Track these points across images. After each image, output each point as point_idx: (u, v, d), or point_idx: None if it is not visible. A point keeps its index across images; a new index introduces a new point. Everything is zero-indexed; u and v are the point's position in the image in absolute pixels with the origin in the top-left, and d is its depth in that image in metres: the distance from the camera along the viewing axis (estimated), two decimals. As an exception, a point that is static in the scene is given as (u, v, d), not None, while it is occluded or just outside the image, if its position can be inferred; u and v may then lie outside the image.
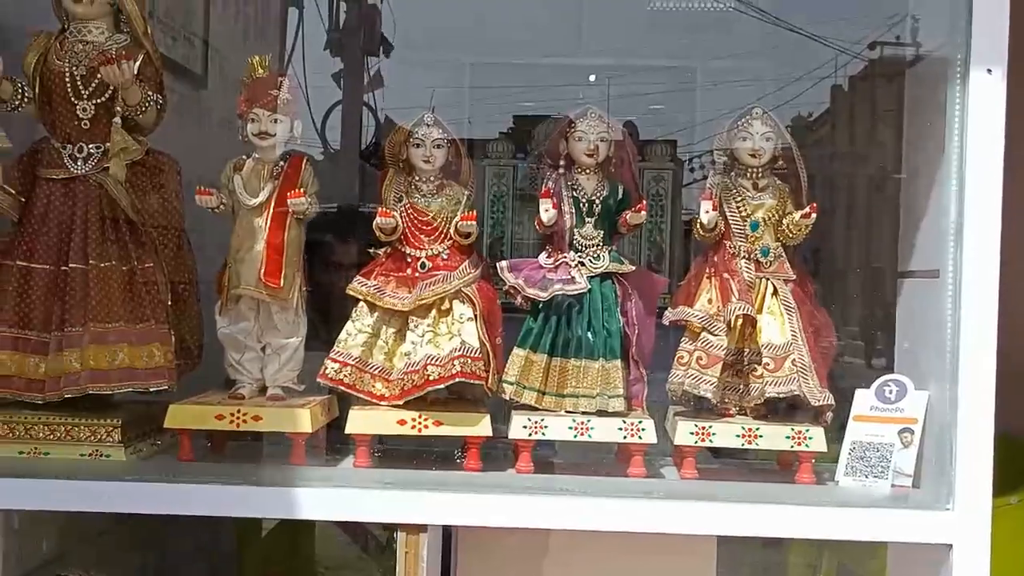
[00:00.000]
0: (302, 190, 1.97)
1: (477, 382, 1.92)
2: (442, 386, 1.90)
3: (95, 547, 2.32)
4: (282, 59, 3.21)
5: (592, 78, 3.30)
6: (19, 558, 2.07)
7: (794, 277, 2.02)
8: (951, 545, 1.80)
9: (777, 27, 3.06)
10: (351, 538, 2.83)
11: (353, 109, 3.24)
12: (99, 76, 1.95)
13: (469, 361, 1.91)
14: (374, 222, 1.99)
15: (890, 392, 1.98)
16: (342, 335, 2.00)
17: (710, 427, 1.93)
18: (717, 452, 2.08)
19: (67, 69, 1.97)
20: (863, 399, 1.99)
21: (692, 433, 1.93)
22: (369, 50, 3.29)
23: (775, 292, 2.00)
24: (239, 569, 2.73)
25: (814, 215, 1.94)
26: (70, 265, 1.95)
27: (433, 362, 1.91)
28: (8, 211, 1.98)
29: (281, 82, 1.99)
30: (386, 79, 3.26)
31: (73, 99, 1.97)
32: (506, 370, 1.98)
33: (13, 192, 1.98)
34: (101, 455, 1.91)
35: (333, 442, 2.07)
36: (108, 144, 1.96)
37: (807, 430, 1.92)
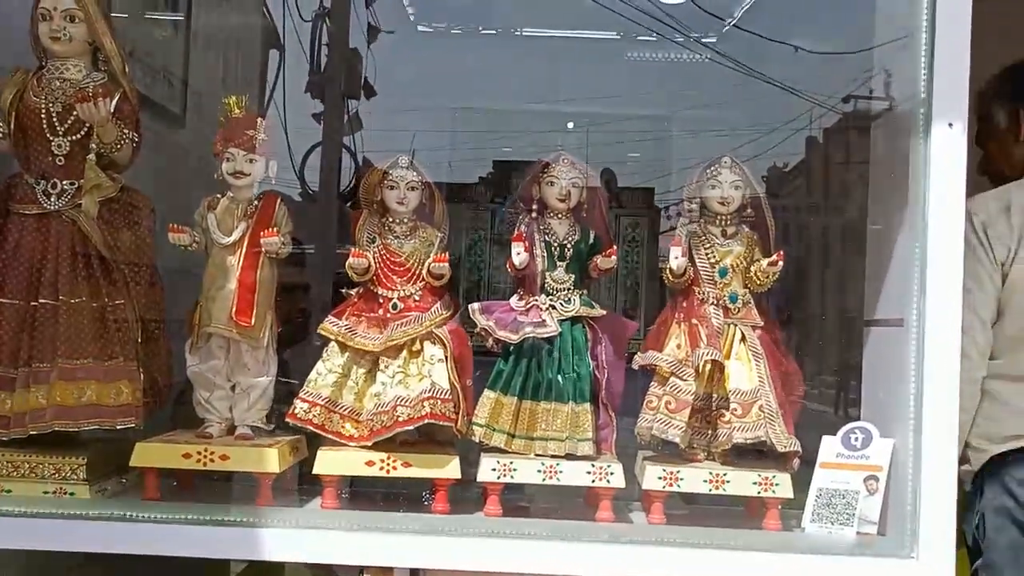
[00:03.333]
0: (275, 229, 1.98)
1: (447, 424, 1.92)
2: (411, 427, 1.90)
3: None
4: (262, 100, 3.24)
5: (570, 125, 3.35)
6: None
7: (762, 323, 2.04)
8: (915, 594, 1.81)
9: (752, 78, 3.13)
10: None
11: (332, 151, 3.26)
12: (75, 113, 1.96)
13: (439, 403, 1.91)
14: (347, 262, 2.00)
15: (856, 439, 1.99)
16: (312, 375, 2.00)
17: (678, 472, 1.94)
18: (688, 497, 2.08)
19: (43, 105, 1.98)
20: (829, 446, 2.01)
21: (660, 478, 1.94)
22: (350, 93, 3.33)
23: (743, 338, 2.02)
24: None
25: (781, 263, 1.97)
26: (40, 300, 1.94)
27: (403, 403, 1.92)
28: (-20, 246, 1.98)
29: (257, 122, 2.01)
30: (369, 122, 3.29)
31: (49, 135, 1.98)
32: (476, 412, 1.98)
33: (-15, 227, 1.98)
34: (65, 492, 1.89)
35: (303, 482, 2.07)
36: (81, 181, 1.97)
37: (774, 476, 1.93)
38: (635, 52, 3.33)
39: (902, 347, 1.92)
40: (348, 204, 3.22)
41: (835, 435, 2.01)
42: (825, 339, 2.85)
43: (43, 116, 1.97)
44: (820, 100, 3.19)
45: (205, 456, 1.90)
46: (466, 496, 2.01)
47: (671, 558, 1.81)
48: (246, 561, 2.65)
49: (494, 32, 3.44)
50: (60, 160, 1.98)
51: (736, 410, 1.97)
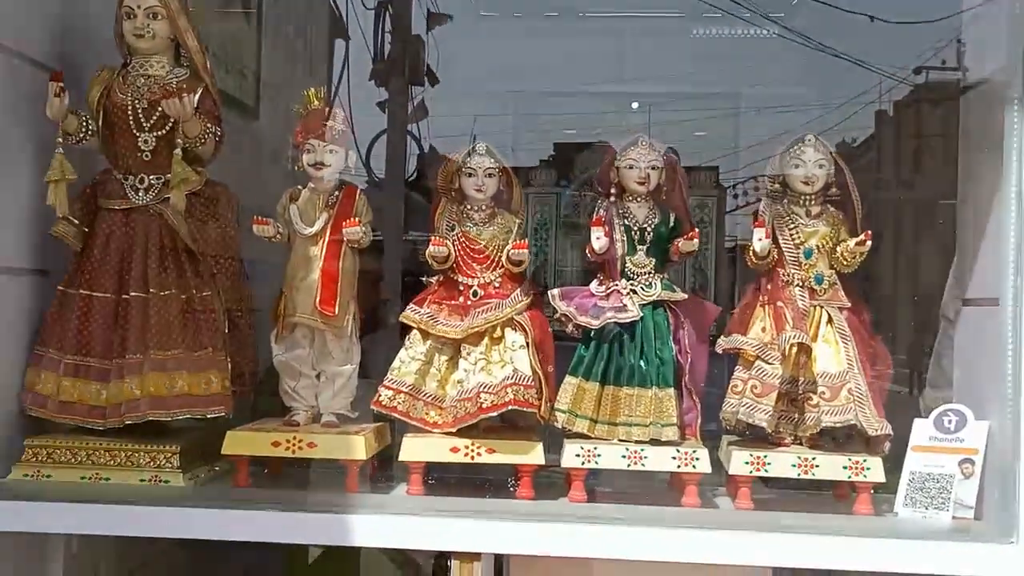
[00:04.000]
0: (357, 219, 1.99)
1: (530, 410, 1.92)
2: (495, 414, 1.91)
3: (151, 572, 2.35)
4: (329, 90, 3.26)
5: (635, 105, 3.32)
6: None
7: (849, 304, 2.00)
8: (1016, 579, 1.76)
9: (821, 52, 3.06)
10: (398, 568, 2.83)
11: (398, 138, 3.28)
12: (160, 109, 2.00)
13: (522, 389, 1.91)
14: (427, 251, 2.01)
15: (949, 422, 1.94)
16: (395, 363, 2.01)
17: (765, 456, 1.91)
18: (767, 481, 2.05)
19: (129, 102, 2.02)
20: (922, 429, 1.96)
21: (747, 463, 1.91)
22: (413, 80, 3.34)
23: (830, 320, 1.98)
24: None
25: (869, 242, 1.93)
26: (131, 294, 1.99)
27: (486, 390, 1.92)
28: (72, 241, 2.03)
29: (335, 113, 2.03)
30: (433, 108, 3.31)
31: (135, 131, 2.02)
32: (558, 398, 1.98)
33: (76, 222, 2.03)
34: (160, 480, 1.93)
35: (383, 470, 2.09)
36: (169, 175, 2.01)
37: (864, 460, 1.90)
38: (700, 29, 3.28)
39: (997, 327, 1.86)
40: (414, 191, 3.25)
41: (926, 418, 1.96)
42: (898, 319, 2.78)
43: (129, 113, 2.01)
44: (890, 72, 3.11)
45: (294, 444, 1.93)
46: (546, 481, 2.01)
47: (762, 544, 1.79)
48: (323, 547, 2.72)
49: (556, 14, 3.42)
50: (147, 156, 2.02)
51: (824, 393, 1.93)
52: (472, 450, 1.92)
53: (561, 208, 3.10)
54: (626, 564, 1.86)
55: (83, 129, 2.02)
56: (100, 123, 2.03)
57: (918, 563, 1.79)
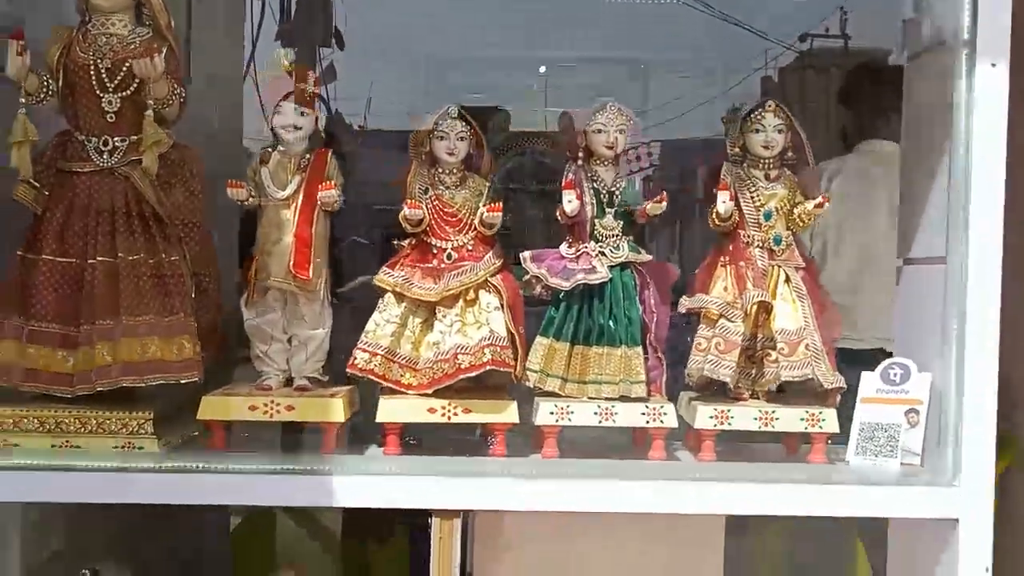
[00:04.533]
0: (331, 182, 1.99)
1: (507, 370, 1.97)
2: (474, 374, 1.95)
3: (98, 541, 2.33)
4: (243, 51, 3.21)
5: (542, 69, 3.36)
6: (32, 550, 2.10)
7: (804, 264, 2.11)
8: (957, 520, 1.90)
9: (719, 20, 3.16)
10: (312, 537, 2.88)
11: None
12: (125, 69, 1.95)
13: (498, 350, 1.96)
14: (401, 213, 2.03)
15: (895, 375, 2.07)
16: (369, 325, 2.03)
17: (728, 411, 2.01)
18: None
19: (92, 62, 1.97)
20: (869, 382, 2.08)
21: (711, 417, 2.00)
22: (321, 42, 3.30)
23: (787, 279, 2.08)
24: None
25: (827, 204, 2.03)
26: (98, 259, 1.95)
27: (463, 351, 1.96)
28: (32, 204, 1.98)
29: (308, 75, 2.01)
30: (341, 72, 3.27)
31: (98, 92, 1.97)
32: (529, 358, 2.04)
33: (38, 185, 1.98)
34: (134, 447, 1.92)
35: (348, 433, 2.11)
36: (133, 137, 1.97)
37: (820, 412, 2.01)
38: None
39: (942, 284, 1.99)
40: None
41: (873, 371, 2.08)
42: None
43: (92, 73, 1.96)
44: (777, 40, 3.23)
45: (271, 408, 1.94)
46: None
47: (728, 493, 1.89)
48: (242, 517, 2.74)
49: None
50: (111, 117, 1.98)
51: (783, 349, 2.03)
52: (449, 410, 1.97)
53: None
54: (583, 521, 1.95)
55: (43, 89, 1.96)
56: (60, 83, 1.98)
57: (871, 507, 1.93)
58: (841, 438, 2.06)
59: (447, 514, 1.88)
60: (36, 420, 1.93)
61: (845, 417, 2.06)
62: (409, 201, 2.02)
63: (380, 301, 2.05)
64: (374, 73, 3.23)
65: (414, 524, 2.70)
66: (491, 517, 2.12)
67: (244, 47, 3.23)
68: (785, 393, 2.10)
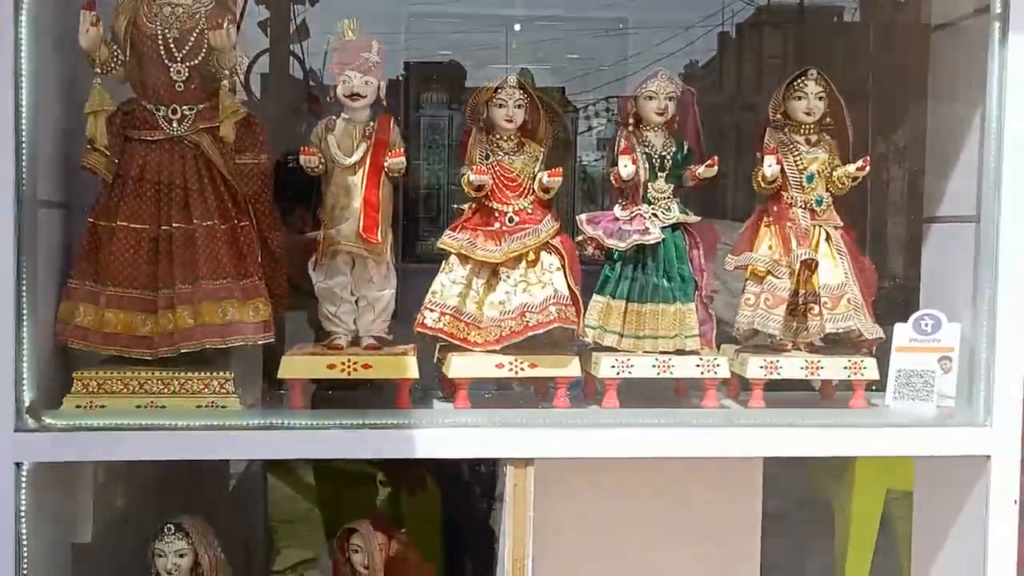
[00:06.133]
0: (399, 149, 2.06)
1: (570, 326, 2.07)
2: (541, 331, 2.05)
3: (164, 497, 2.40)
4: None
5: (517, 27, 3.40)
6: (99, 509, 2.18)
7: (842, 224, 2.23)
8: (989, 456, 2.06)
9: None
10: (298, 491, 2.98)
11: (280, 59, 3.18)
12: (192, 38, 1.99)
13: (563, 307, 2.06)
14: (465, 179, 2.11)
15: (926, 325, 2.21)
16: (435, 286, 2.12)
17: (777, 361, 2.14)
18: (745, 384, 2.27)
19: (159, 32, 2.00)
20: (902, 332, 2.22)
21: (761, 367, 2.13)
22: None
23: (828, 238, 2.20)
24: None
25: (867, 167, 2.15)
26: (173, 225, 2.00)
27: (530, 309, 2.06)
28: (104, 172, 2.01)
29: (371, 44, 2.07)
30: (314, 29, 3.26)
31: (167, 61, 2.01)
32: (587, 315, 2.14)
33: (108, 154, 2.02)
34: (218, 405, 1.99)
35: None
36: (201, 106, 2.02)
37: (862, 360, 2.15)
38: None
39: (971, 241, 2.13)
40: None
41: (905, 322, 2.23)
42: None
43: (160, 43, 2.00)
44: None
45: (348, 366, 2.02)
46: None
47: (784, 437, 2.03)
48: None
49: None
50: (180, 86, 2.02)
51: (827, 303, 2.16)
52: (516, 366, 2.06)
53: (453, 132, 3.10)
54: (642, 465, 2.07)
55: (114, 59, 1.99)
56: (127, 54, 2.01)
57: (911, 447, 2.08)
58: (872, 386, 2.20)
59: (520, 463, 1.99)
60: (120, 382, 1.99)
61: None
62: (474, 167, 2.10)
63: (444, 263, 2.13)
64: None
65: (443, 473, 2.84)
66: (552, 465, 2.22)
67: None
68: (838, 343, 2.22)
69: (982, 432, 2.07)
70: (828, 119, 2.23)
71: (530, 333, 2.05)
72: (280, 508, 3.05)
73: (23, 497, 1.86)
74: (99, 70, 1.97)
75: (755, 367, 2.13)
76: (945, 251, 2.31)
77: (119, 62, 2.01)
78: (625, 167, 2.11)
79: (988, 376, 2.09)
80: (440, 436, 1.96)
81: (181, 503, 2.24)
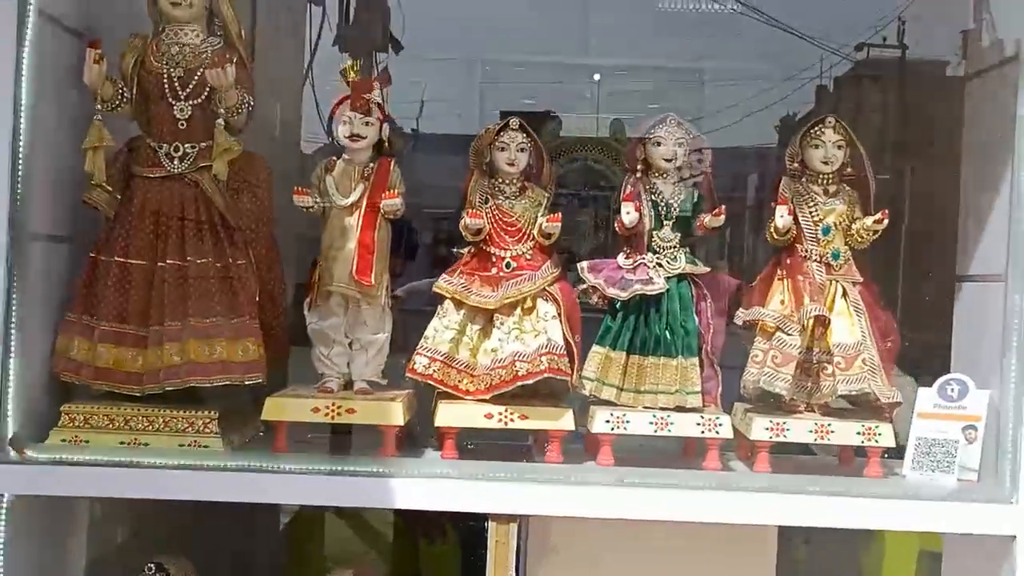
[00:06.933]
0: (395, 191, 2.03)
1: (563, 378, 1.99)
2: (531, 381, 1.98)
3: (159, 536, 2.39)
4: (303, 56, 3.26)
5: (596, 77, 3.37)
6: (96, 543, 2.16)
7: (861, 280, 2.11)
8: (1015, 536, 1.90)
9: (773, 28, 3.16)
10: (356, 530, 2.91)
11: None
12: (196, 78, 2.01)
13: (555, 358, 1.98)
14: (461, 222, 2.06)
15: (952, 391, 2.07)
16: (429, 331, 2.07)
17: (784, 423, 2.02)
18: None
19: (164, 71, 2.03)
20: (926, 397, 2.08)
21: (767, 428, 2.02)
22: (377, 47, 3.33)
23: (845, 294, 2.09)
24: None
25: (886, 220, 2.03)
26: (167, 261, 2.01)
27: (521, 358, 1.99)
28: (105, 208, 2.04)
29: (373, 86, 2.06)
30: (397, 76, 3.30)
31: (171, 100, 2.03)
32: (585, 367, 2.06)
33: (111, 189, 2.04)
34: (200, 445, 1.96)
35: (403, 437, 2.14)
36: (203, 144, 2.03)
37: (876, 426, 2.01)
38: (665, 3, 3.34)
39: (1001, 301, 1.99)
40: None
41: (931, 387, 2.08)
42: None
43: (165, 81, 2.02)
44: (833, 49, 3.21)
45: (333, 410, 1.98)
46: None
47: (784, 504, 1.90)
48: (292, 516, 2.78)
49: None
50: (182, 124, 2.03)
51: (840, 363, 2.04)
52: (505, 416, 2.00)
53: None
54: (636, 528, 1.96)
55: (119, 96, 2.02)
56: (134, 91, 2.04)
57: (927, 522, 1.93)
58: (892, 452, 2.06)
59: (503, 518, 1.91)
60: (106, 417, 1.98)
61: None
62: (470, 211, 2.06)
63: (439, 307, 2.09)
64: (428, 77, 3.26)
65: (465, 525, 2.75)
66: (544, 522, 2.14)
67: (304, 53, 3.28)
68: (856, 407, 2.10)
69: (1008, 510, 1.91)
70: (848, 169, 2.12)
71: (519, 383, 1.98)
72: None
73: (1, 529, 1.86)
74: (100, 107, 1.99)
75: (760, 428, 2.02)
76: (976, 312, 2.17)
77: (125, 100, 2.04)
78: (628, 214, 2.04)
79: (1015, 448, 1.93)
80: (418, 487, 1.89)
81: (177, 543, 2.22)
